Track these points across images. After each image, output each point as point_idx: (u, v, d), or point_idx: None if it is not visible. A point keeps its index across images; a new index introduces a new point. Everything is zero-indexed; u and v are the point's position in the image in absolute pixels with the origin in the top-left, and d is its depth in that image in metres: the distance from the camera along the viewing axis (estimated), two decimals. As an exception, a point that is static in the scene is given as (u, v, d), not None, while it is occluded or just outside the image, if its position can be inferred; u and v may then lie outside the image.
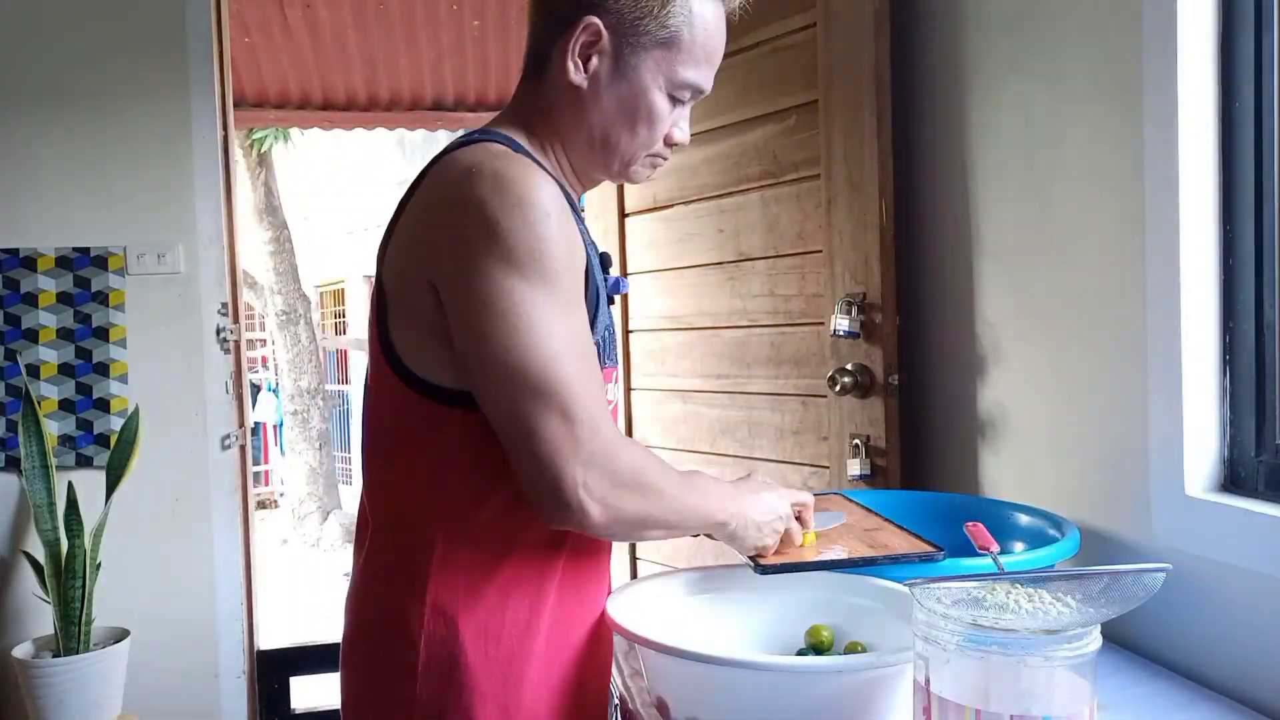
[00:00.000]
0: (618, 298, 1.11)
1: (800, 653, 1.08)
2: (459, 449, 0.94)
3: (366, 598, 1.01)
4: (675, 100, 1.01)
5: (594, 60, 0.97)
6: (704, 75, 1.02)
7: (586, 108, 0.99)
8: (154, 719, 2.55)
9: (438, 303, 0.90)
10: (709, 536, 1.03)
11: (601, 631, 1.06)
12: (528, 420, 0.86)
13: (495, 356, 0.87)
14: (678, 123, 1.03)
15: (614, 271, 1.14)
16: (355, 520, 1.08)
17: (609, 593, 1.09)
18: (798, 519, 1.08)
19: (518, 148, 0.95)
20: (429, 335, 0.93)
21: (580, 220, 0.99)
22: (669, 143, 1.04)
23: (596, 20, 0.96)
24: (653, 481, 0.92)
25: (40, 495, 2.38)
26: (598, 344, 0.96)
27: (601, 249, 1.05)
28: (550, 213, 0.88)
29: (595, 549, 1.05)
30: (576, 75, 0.97)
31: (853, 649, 1.05)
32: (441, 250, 0.90)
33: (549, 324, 0.87)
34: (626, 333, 2.42)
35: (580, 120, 1.00)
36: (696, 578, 1.17)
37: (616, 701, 1.17)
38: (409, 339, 0.95)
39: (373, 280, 1.01)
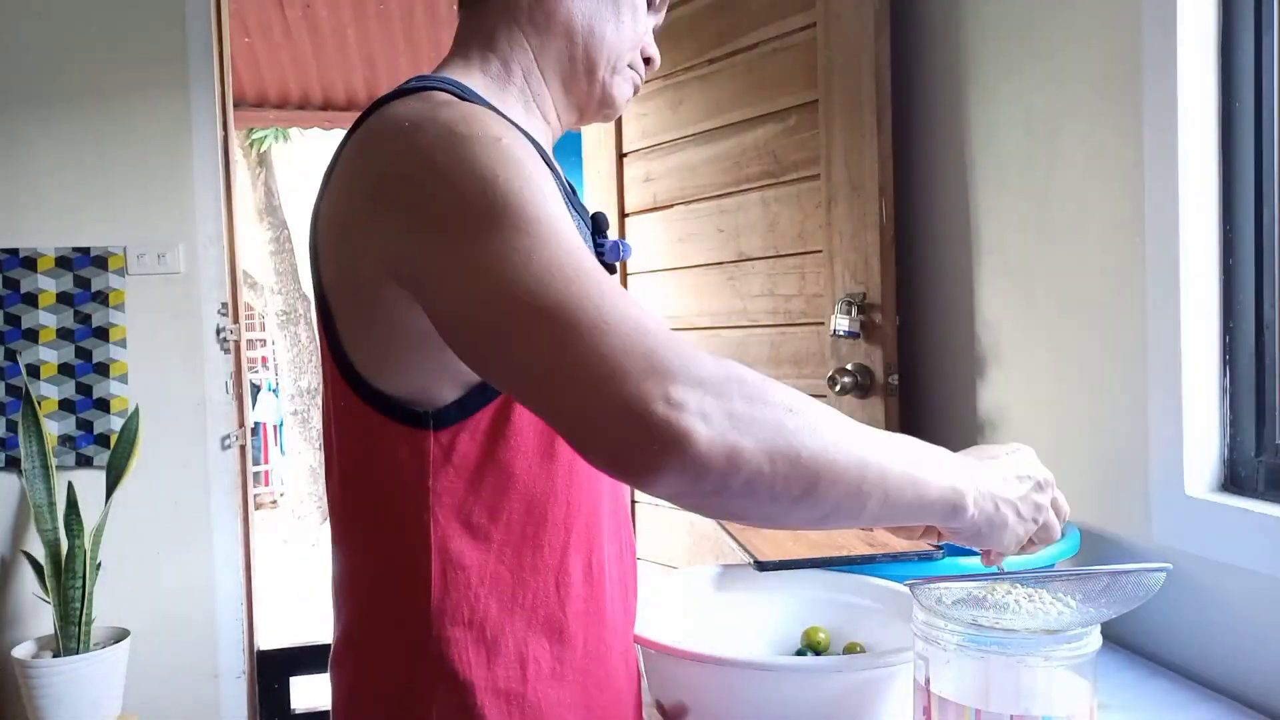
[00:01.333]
0: (618, 265, 0.95)
1: (797, 654, 1.08)
2: (444, 480, 0.77)
3: (360, 665, 0.82)
4: (649, 2, 0.92)
5: None
6: None
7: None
8: (154, 719, 2.55)
9: (403, 298, 0.72)
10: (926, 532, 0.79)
11: (628, 661, 0.91)
12: (539, 363, 0.62)
13: (492, 313, 0.65)
14: (648, 34, 0.93)
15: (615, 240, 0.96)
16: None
17: (632, 620, 0.94)
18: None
19: (467, 93, 0.80)
20: (392, 339, 0.75)
21: (554, 170, 0.84)
22: (644, 57, 0.93)
23: None
24: (776, 391, 0.63)
25: (40, 495, 2.38)
26: None
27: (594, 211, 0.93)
28: (500, 136, 0.70)
29: (621, 572, 0.89)
30: None
31: (851, 650, 1.05)
32: (399, 233, 0.70)
33: (538, 251, 0.65)
34: (626, 333, 2.42)
35: (557, 16, 0.86)
36: (696, 578, 1.17)
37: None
38: (366, 346, 0.77)
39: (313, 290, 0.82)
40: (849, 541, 1.12)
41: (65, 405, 2.54)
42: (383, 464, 0.78)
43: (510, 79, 0.87)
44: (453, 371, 0.75)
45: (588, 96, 0.91)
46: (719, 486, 0.60)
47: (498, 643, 0.78)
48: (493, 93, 0.85)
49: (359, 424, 0.79)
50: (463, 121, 0.71)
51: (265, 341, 9.34)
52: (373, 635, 0.81)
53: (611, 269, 0.89)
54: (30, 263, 2.51)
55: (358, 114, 0.81)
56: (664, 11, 0.94)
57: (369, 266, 0.73)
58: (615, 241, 0.91)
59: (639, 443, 0.58)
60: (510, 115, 0.80)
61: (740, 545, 1.09)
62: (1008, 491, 0.75)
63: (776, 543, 1.12)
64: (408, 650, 0.78)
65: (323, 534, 7.56)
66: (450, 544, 0.77)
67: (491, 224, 0.66)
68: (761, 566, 1.04)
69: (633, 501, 2.39)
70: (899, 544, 1.10)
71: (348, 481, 0.82)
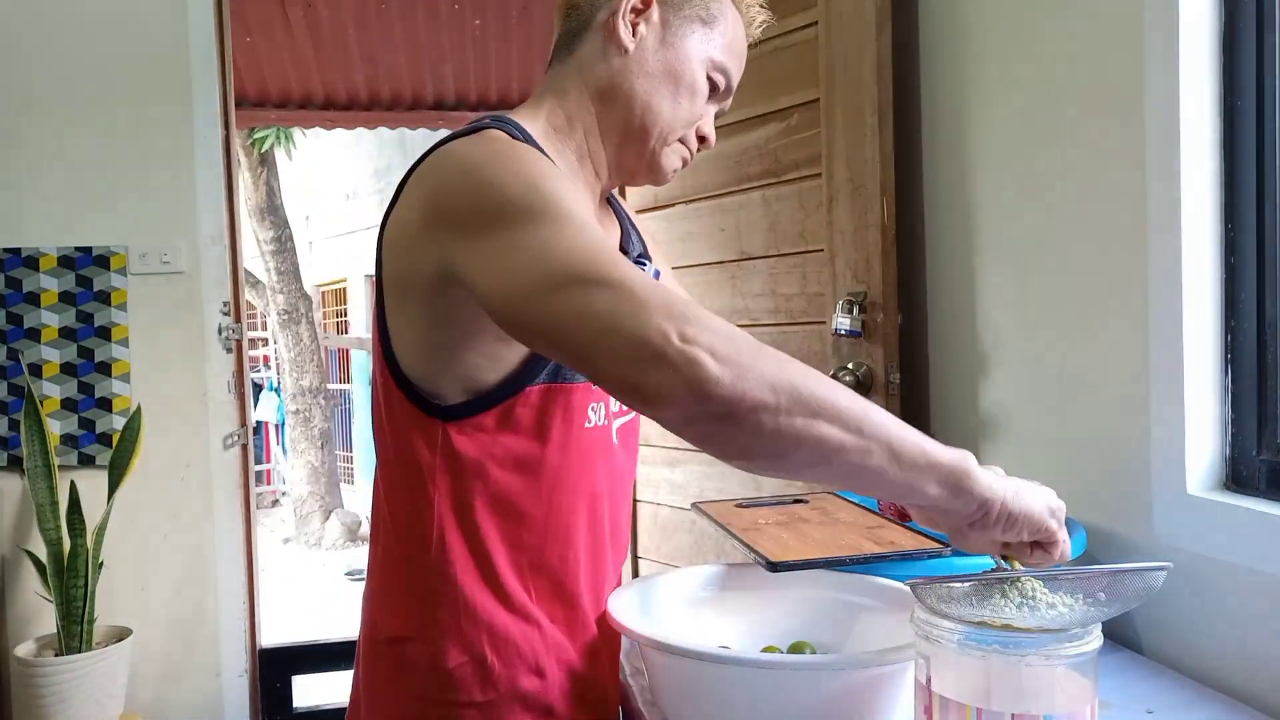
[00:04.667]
0: None
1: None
2: (442, 467, 0.92)
3: (384, 623, 0.97)
4: (712, 85, 1.01)
5: (641, 27, 0.97)
6: (735, 68, 1.03)
7: (631, 73, 0.97)
8: (156, 718, 2.56)
9: (446, 290, 0.84)
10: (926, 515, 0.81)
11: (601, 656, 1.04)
12: (569, 312, 0.71)
13: (528, 280, 0.74)
14: (706, 118, 1.03)
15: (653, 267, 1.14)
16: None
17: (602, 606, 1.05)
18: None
19: (523, 135, 0.92)
20: (428, 329, 0.89)
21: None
22: (699, 136, 1.03)
23: None
24: (777, 355, 0.71)
25: (42, 494, 2.38)
26: None
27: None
28: (537, 160, 0.84)
29: (595, 580, 1.02)
30: (627, 37, 0.96)
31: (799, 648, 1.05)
32: (454, 236, 0.82)
33: (569, 237, 0.75)
34: (628, 332, 2.42)
35: (621, 89, 0.97)
36: (698, 576, 1.17)
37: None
38: (407, 341, 0.91)
39: (373, 280, 0.97)
40: (857, 541, 1.12)
41: (67, 404, 2.54)
42: (406, 441, 0.93)
43: (572, 133, 0.99)
44: (460, 377, 0.91)
45: (637, 161, 1.01)
46: (725, 411, 0.66)
47: (503, 623, 0.93)
48: (550, 141, 0.97)
49: (395, 404, 0.93)
50: (507, 147, 0.85)
51: (267, 341, 9.35)
52: (401, 601, 0.96)
53: None
54: (32, 262, 2.52)
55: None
56: (729, 100, 1.05)
57: (424, 261, 0.85)
58: (654, 271, 1.07)
59: (654, 369, 0.66)
60: (562, 163, 0.95)
61: (748, 547, 1.09)
62: (1028, 494, 0.81)
63: (783, 544, 1.12)
64: (430, 614, 0.93)
65: (325, 533, 7.55)
66: (445, 523, 0.92)
67: (529, 217, 0.77)
68: (773, 567, 1.04)
69: (634, 501, 2.39)
70: (906, 543, 1.10)
71: (386, 451, 0.97)
